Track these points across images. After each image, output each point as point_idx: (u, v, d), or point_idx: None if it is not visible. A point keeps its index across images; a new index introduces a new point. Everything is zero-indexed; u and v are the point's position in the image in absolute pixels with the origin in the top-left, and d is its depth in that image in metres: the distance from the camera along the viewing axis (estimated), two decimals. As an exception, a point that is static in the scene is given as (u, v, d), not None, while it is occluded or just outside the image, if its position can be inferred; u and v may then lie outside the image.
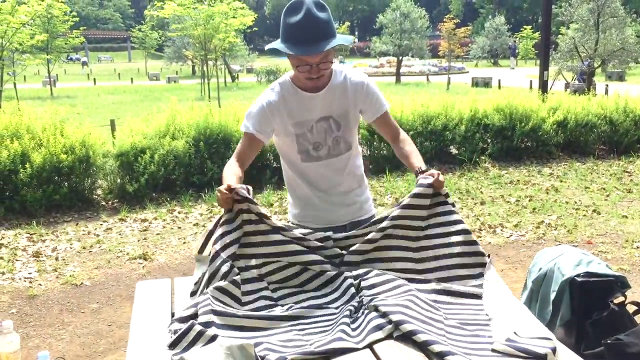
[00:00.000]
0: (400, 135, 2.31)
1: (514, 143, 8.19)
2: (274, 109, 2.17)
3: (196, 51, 18.23)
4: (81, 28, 21.80)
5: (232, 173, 2.11)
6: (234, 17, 14.88)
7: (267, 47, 2.27)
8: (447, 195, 2.09)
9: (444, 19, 23.64)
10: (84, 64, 43.53)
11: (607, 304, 2.09)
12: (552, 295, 2.22)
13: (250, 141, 2.20)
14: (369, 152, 7.87)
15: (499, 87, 21.12)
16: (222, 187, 1.96)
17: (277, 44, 2.09)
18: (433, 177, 2.02)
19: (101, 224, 5.71)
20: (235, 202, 1.97)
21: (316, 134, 2.20)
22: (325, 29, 2.03)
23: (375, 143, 7.72)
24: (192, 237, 5.32)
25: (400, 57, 26.84)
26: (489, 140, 8.24)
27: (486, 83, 23.04)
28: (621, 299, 2.18)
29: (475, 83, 23.41)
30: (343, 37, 2.09)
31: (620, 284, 2.16)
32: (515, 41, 42.58)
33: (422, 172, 2.12)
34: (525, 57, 43.20)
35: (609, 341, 1.89)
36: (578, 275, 2.16)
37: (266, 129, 2.18)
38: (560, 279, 2.20)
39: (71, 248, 5.04)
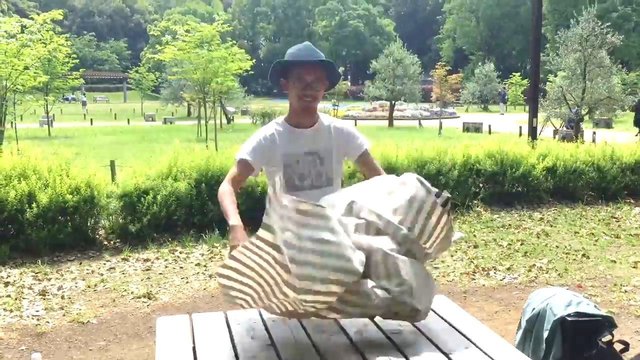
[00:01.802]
0: (382, 174, 2.65)
1: (505, 188, 8.42)
2: (268, 141, 2.52)
3: (194, 94, 18.59)
4: (80, 70, 22.20)
5: (231, 202, 2.37)
6: (232, 61, 15.28)
7: (271, 67, 2.57)
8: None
9: (436, 66, 24.28)
10: (84, 103, 43.91)
11: (596, 343, 2.26)
12: (545, 334, 2.39)
13: (243, 167, 2.52)
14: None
15: (489, 132, 21.57)
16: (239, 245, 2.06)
17: (278, 62, 2.53)
18: None
19: (104, 264, 5.83)
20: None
21: (302, 166, 2.54)
22: (320, 56, 2.52)
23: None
24: (194, 276, 5.45)
25: (393, 102, 27.38)
26: (481, 185, 8.48)
27: (477, 128, 23.50)
28: (609, 337, 2.35)
29: (467, 128, 23.89)
30: (333, 64, 2.60)
31: (608, 323, 2.34)
32: (504, 87, 43.54)
33: None
34: (514, 103, 44.12)
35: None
36: (569, 315, 2.34)
37: (259, 158, 2.52)
38: (552, 318, 2.38)
39: (76, 287, 5.16)
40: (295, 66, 2.49)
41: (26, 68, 11.43)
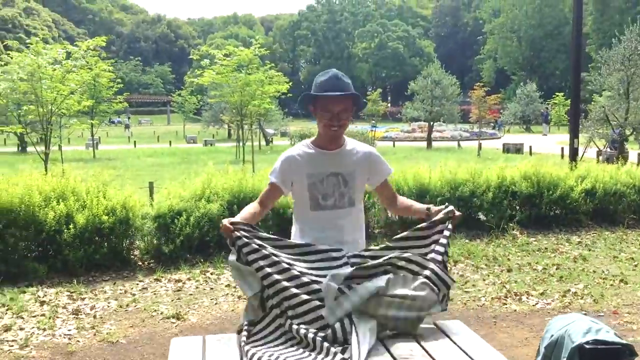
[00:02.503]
0: (398, 197, 2.90)
1: (542, 210, 8.25)
2: (292, 162, 2.70)
3: (232, 116, 18.91)
4: (125, 94, 22.88)
5: (247, 209, 2.68)
6: (269, 84, 15.50)
7: (299, 99, 2.75)
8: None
9: (474, 86, 24.07)
10: (127, 126, 45.16)
11: (615, 371, 2.20)
12: (563, 363, 2.33)
13: (272, 189, 2.73)
14: (397, 217, 8.03)
15: (530, 153, 21.20)
16: (225, 220, 2.51)
17: (306, 94, 2.69)
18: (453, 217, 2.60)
19: (137, 284, 5.95)
20: (235, 239, 2.48)
21: (326, 186, 2.68)
22: (347, 86, 2.65)
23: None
24: (224, 297, 5.50)
25: (432, 123, 27.25)
26: (517, 207, 8.33)
27: (517, 149, 23.14)
28: (629, 367, 2.28)
29: (507, 149, 23.54)
30: (359, 95, 2.72)
31: (628, 352, 2.27)
32: (547, 108, 42.80)
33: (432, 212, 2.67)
34: (558, 124, 43.29)
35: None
36: (587, 343, 2.28)
37: (286, 180, 2.70)
38: (570, 345, 2.32)
39: (108, 306, 5.27)
40: (322, 97, 2.63)
41: (71, 93, 11.83)
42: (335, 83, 2.61)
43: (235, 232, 2.46)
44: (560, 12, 66.26)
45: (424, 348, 2.24)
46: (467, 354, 2.20)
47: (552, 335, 2.45)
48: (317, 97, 2.64)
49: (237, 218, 2.58)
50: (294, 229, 2.84)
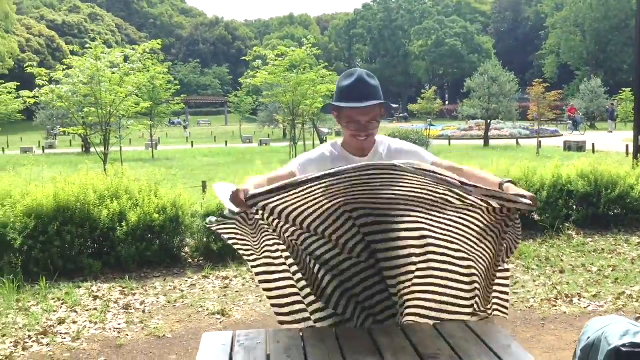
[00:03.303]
0: (462, 167, 2.49)
1: (600, 210, 7.94)
2: (321, 161, 2.42)
3: (285, 115, 19.09)
4: (182, 95, 23.48)
5: (252, 180, 2.32)
6: (321, 83, 15.56)
7: (321, 109, 2.61)
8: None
9: (533, 83, 23.42)
10: (185, 127, 46.31)
11: (653, 377, 2.10)
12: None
13: (287, 175, 2.36)
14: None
15: (593, 151, 20.45)
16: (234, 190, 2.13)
17: (330, 105, 2.43)
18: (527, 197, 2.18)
19: (186, 280, 6.08)
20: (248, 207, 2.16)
21: None
22: (375, 92, 2.35)
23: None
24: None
25: (489, 120, 26.69)
26: (573, 207, 8.06)
27: (579, 147, 22.35)
28: (670, 372, 2.17)
29: (568, 147, 22.78)
30: (388, 103, 2.42)
31: (669, 357, 2.16)
32: (613, 104, 41.14)
33: (503, 184, 2.33)
34: (625, 120, 41.56)
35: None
36: (624, 345, 2.18)
37: (307, 172, 2.28)
38: (606, 348, 2.22)
39: (157, 302, 5.42)
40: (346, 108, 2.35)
41: (128, 95, 12.23)
42: (360, 89, 2.31)
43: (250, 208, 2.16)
44: (627, 3, 63.48)
45: (452, 348, 2.20)
46: (497, 356, 2.13)
47: (588, 338, 2.36)
48: (340, 106, 2.37)
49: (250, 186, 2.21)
50: None
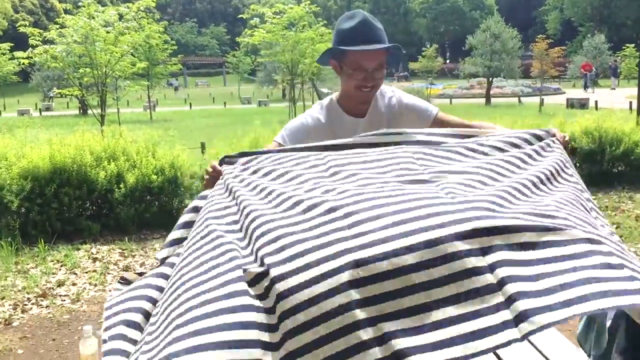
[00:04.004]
0: (472, 123, 2.18)
1: (604, 167, 7.85)
2: (316, 129, 2.13)
3: (284, 75, 18.82)
4: (179, 56, 23.13)
5: None
6: (320, 42, 15.27)
7: (317, 60, 2.26)
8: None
9: (537, 39, 23.03)
10: (176, 88, 45.68)
11: (667, 336, 2.03)
12: (608, 323, 2.17)
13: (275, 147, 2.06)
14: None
15: (596, 108, 20.24)
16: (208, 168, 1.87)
17: (329, 52, 2.10)
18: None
19: (186, 242, 6.02)
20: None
21: None
22: (380, 35, 2.03)
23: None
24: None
25: (491, 78, 26.35)
26: (577, 165, 7.96)
27: (582, 104, 22.12)
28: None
29: (571, 104, 22.54)
30: (399, 46, 2.10)
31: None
32: (616, 60, 40.59)
33: None
34: (628, 77, 41.08)
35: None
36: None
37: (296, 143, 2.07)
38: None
39: (157, 263, 5.36)
40: (353, 52, 2.03)
41: (123, 55, 12.00)
42: (366, 31, 2.00)
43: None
44: (632, -43, 62.17)
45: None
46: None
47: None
48: (344, 51, 2.03)
49: None
50: None
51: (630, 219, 6.28)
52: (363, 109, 2.17)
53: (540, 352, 1.92)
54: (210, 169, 1.87)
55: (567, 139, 1.98)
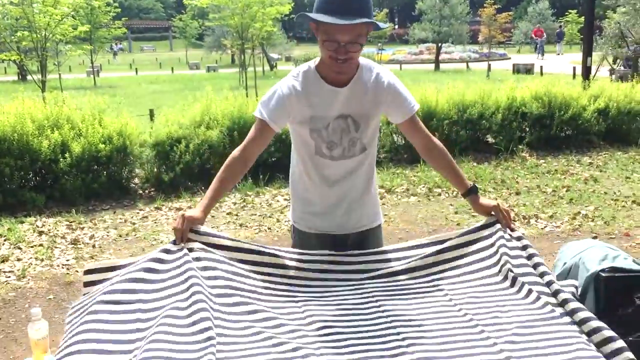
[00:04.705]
0: (436, 144, 2.18)
1: (553, 132, 8.00)
2: (293, 98, 2.03)
3: (234, 40, 18.37)
4: (123, 19, 22.21)
5: (214, 187, 2.03)
6: (271, 5, 14.92)
7: (296, 16, 2.11)
8: (519, 238, 2.03)
9: (484, 5, 23.19)
10: (115, 54, 43.94)
11: (633, 300, 2.05)
12: (577, 291, 2.18)
13: (262, 129, 2.06)
14: (403, 141, 7.82)
15: (541, 73, 20.64)
16: (180, 216, 1.94)
17: (305, 14, 1.96)
18: (498, 211, 2.08)
19: (137, 212, 5.84)
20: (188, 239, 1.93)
21: (332, 133, 2.07)
22: (362, 6, 1.89)
23: (409, 132, 7.66)
24: (225, 225, 5.40)
25: (440, 44, 26.48)
26: (527, 129, 8.08)
27: (528, 70, 22.53)
28: (648, 295, 2.12)
29: (517, 70, 22.92)
30: (379, 22, 1.97)
31: (648, 279, 2.11)
32: (561, 26, 41.38)
33: (470, 192, 2.15)
34: (570, 43, 42.03)
35: (630, 339, 1.86)
36: (603, 271, 2.11)
37: (281, 119, 2.06)
38: (585, 274, 2.16)
39: (108, 236, 5.18)
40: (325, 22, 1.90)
41: (64, 17, 11.40)
42: (345, 7, 1.85)
43: (187, 242, 1.93)
44: None
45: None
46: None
47: (565, 263, 2.29)
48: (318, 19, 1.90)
49: (204, 199, 2.01)
50: (296, 170, 2.23)
51: (579, 182, 6.43)
52: (342, 79, 2.04)
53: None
54: (179, 220, 1.94)
55: (506, 208, 2.13)
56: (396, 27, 69.10)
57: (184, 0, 17.83)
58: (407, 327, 1.72)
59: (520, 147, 7.79)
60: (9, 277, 4.29)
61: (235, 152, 2.09)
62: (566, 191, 6.08)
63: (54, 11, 10.86)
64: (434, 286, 1.97)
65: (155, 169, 6.64)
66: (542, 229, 5.03)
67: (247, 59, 18.14)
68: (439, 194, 6.16)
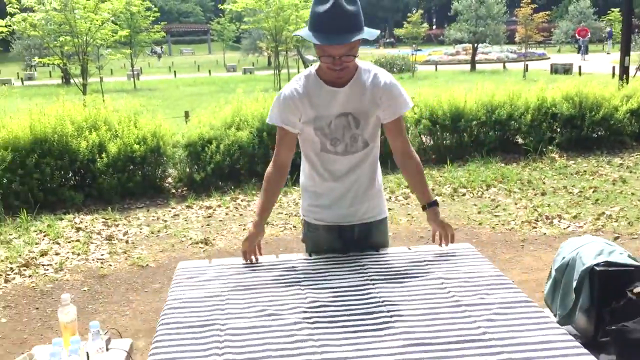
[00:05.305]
0: (413, 152, 2.36)
1: (584, 132, 7.94)
2: (296, 100, 2.21)
3: (269, 42, 18.63)
4: (162, 23, 22.74)
5: (262, 200, 2.35)
6: (305, 8, 15.11)
7: (293, 34, 2.36)
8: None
9: (521, 4, 22.91)
10: (159, 56, 45.01)
11: (625, 293, 2.11)
12: (574, 284, 2.26)
13: (282, 135, 2.29)
14: (432, 142, 7.88)
15: (580, 73, 20.29)
16: (249, 241, 2.35)
17: (304, 31, 2.13)
18: (443, 230, 2.34)
19: (169, 210, 6.07)
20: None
21: (334, 130, 2.23)
22: (352, 21, 2.04)
23: (438, 133, 7.72)
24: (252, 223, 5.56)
25: (476, 44, 26.26)
26: (557, 130, 8.04)
27: (566, 70, 22.15)
28: (642, 289, 2.19)
29: (555, 70, 22.57)
30: (369, 32, 2.10)
31: (642, 274, 2.18)
32: (611, 24, 40.27)
33: (430, 205, 2.35)
34: (614, 42, 41.03)
35: (613, 327, 1.93)
36: (598, 265, 2.19)
37: (293, 120, 2.24)
38: (581, 267, 2.23)
39: (141, 232, 5.41)
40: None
41: (104, 22, 11.81)
42: (337, 19, 2.01)
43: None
44: None
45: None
46: (469, 275, 2.14)
47: (563, 258, 2.37)
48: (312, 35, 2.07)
49: (257, 214, 2.37)
50: (305, 167, 2.42)
51: (607, 183, 6.39)
52: (341, 82, 2.21)
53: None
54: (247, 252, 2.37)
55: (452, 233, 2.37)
56: (434, 27, 68.58)
57: (219, 5, 18.13)
58: (396, 306, 1.90)
59: (550, 148, 7.75)
60: (47, 269, 4.55)
61: (269, 166, 2.36)
62: (593, 192, 6.06)
63: (95, 17, 11.28)
64: (428, 272, 2.16)
65: (188, 169, 6.87)
66: (564, 229, 5.05)
67: (282, 60, 18.38)
68: (464, 194, 6.21)
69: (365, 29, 2.10)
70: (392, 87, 2.26)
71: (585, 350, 1.64)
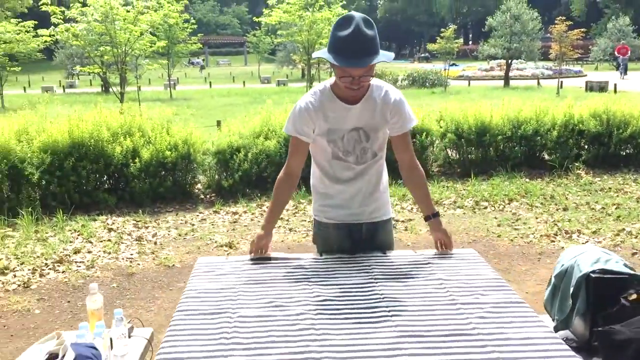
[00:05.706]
0: (418, 165, 2.55)
1: (612, 150, 7.92)
2: (311, 112, 2.39)
3: (302, 55, 18.93)
4: (199, 35, 23.26)
5: (273, 205, 2.58)
6: (337, 22, 15.34)
7: (314, 55, 2.52)
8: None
9: (556, 21, 22.77)
10: (202, 67, 45.98)
11: (619, 300, 2.20)
12: (571, 290, 2.36)
13: (295, 144, 2.48)
14: (457, 156, 7.97)
15: (615, 91, 20.05)
16: (256, 242, 2.57)
17: (324, 53, 2.31)
18: (443, 240, 2.58)
19: (197, 215, 6.29)
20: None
21: (346, 143, 2.42)
22: (370, 46, 2.21)
23: (463, 147, 7.80)
24: (275, 230, 5.72)
25: (510, 60, 26.14)
26: (584, 147, 8.04)
27: (601, 87, 21.86)
28: (635, 296, 2.27)
29: (590, 87, 22.31)
30: (384, 54, 2.27)
31: (637, 282, 2.26)
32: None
33: (434, 216, 2.58)
34: (654, 60, 40.30)
35: (600, 329, 2.03)
36: (594, 272, 2.29)
37: (307, 130, 2.42)
38: (578, 274, 2.33)
39: (169, 235, 5.63)
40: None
41: (143, 33, 12.23)
42: (358, 43, 2.17)
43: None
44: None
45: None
46: (468, 277, 2.26)
47: (562, 265, 2.47)
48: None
49: (266, 218, 2.61)
50: (316, 172, 2.59)
51: (631, 200, 6.39)
52: (355, 99, 2.38)
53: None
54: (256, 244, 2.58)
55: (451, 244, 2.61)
56: (470, 43, 68.32)
57: (254, 18, 18.55)
58: (395, 303, 2.05)
59: (576, 164, 7.76)
60: (80, 266, 4.79)
61: (281, 172, 2.54)
62: (615, 208, 6.07)
63: (134, 28, 11.70)
64: (429, 273, 2.32)
65: (216, 176, 7.10)
66: (583, 243, 5.08)
67: (315, 73, 18.65)
68: (485, 207, 6.28)
69: (381, 51, 2.27)
70: (401, 104, 2.44)
71: (567, 347, 1.75)
